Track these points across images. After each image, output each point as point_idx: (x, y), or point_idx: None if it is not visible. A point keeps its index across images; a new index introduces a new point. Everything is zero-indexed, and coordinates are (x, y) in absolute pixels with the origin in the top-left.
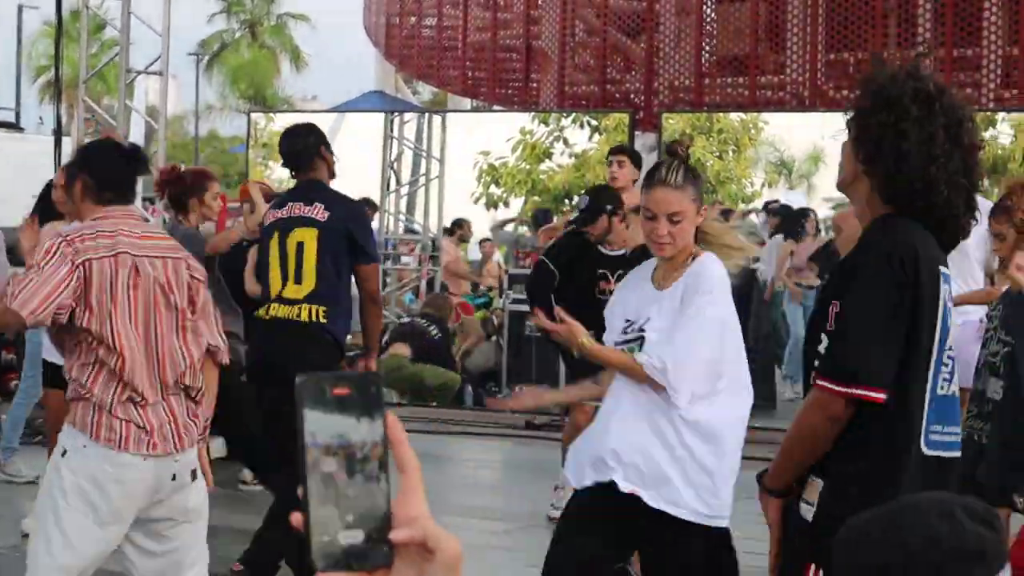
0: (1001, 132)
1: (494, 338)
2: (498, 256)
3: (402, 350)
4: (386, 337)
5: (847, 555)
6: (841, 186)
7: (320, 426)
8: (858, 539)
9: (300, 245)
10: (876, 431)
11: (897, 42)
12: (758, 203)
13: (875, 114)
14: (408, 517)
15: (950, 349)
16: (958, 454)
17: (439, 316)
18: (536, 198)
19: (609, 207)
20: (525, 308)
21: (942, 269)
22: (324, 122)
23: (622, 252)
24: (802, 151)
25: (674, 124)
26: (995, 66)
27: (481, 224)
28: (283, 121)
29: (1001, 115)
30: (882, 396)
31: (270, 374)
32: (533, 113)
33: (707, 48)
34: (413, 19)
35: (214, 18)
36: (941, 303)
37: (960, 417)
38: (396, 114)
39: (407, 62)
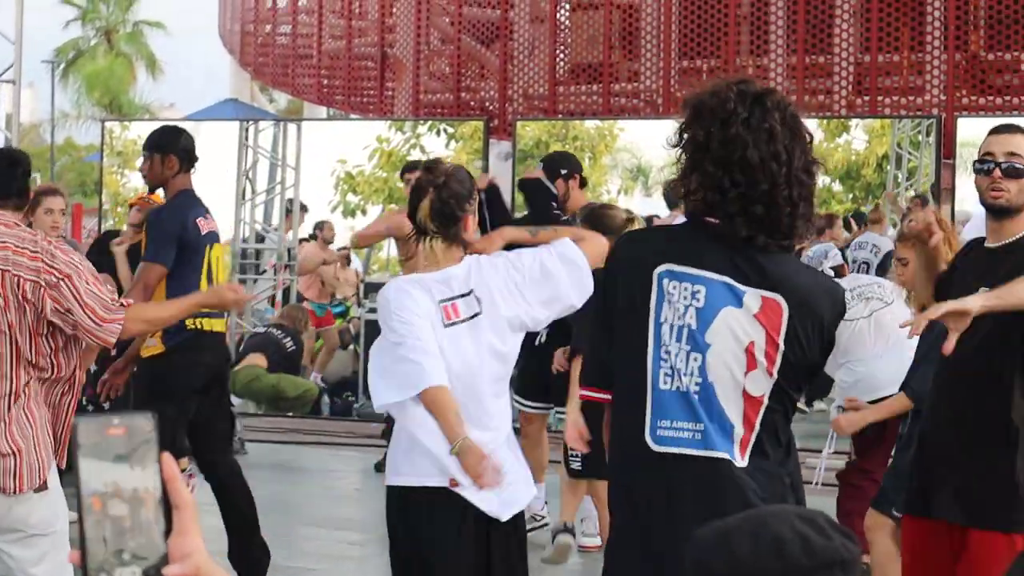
0: (855, 138)
1: (352, 347)
2: (356, 264)
3: (258, 360)
4: (242, 347)
5: (710, 568)
6: None
7: (94, 473)
8: (720, 551)
9: (218, 260)
10: (613, 430)
11: (750, 50)
12: None
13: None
14: (183, 553)
15: (667, 344)
16: (698, 451)
17: (294, 328)
18: (393, 206)
19: (564, 171)
20: None
21: (666, 267)
22: None
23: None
24: (658, 158)
25: (530, 132)
26: (847, 73)
27: (342, 232)
28: (138, 129)
29: (855, 121)
30: (596, 395)
31: (216, 383)
32: (389, 121)
33: (561, 56)
34: (268, 27)
35: (69, 25)
36: (652, 297)
37: (700, 413)
38: (251, 122)
39: (262, 70)
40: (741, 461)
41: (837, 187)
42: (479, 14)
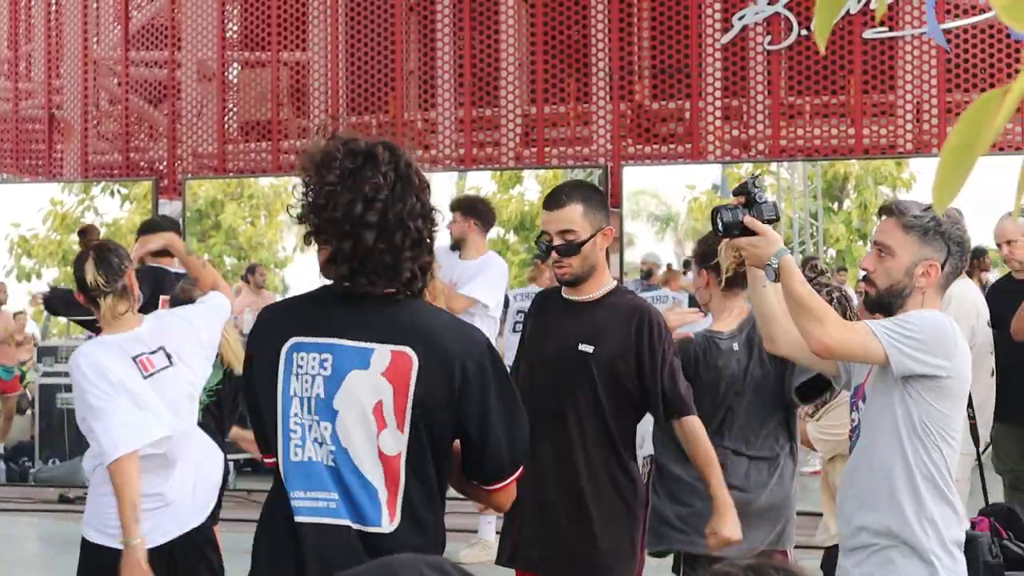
0: (528, 189)
1: (28, 412)
2: (33, 328)
3: None
4: None
5: None
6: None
7: None
8: None
9: None
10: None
11: (418, 104)
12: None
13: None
14: None
15: (297, 416)
16: (334, 520)
17: None
18: (68, 269)
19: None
20: (57, 380)
21: (295, 340)
22: None
23: None
24: None
25: (205, 191)
26: (514, 125)
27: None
28: None
29: (528, 172)
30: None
31: None
32: (61, 183)
33: (231, 114)
34: None
35: None
36: (280, 372)
37: (331, 483)
38: None
39: None
40: (390, 526)
41: (512, 238)
42: (147, 74)
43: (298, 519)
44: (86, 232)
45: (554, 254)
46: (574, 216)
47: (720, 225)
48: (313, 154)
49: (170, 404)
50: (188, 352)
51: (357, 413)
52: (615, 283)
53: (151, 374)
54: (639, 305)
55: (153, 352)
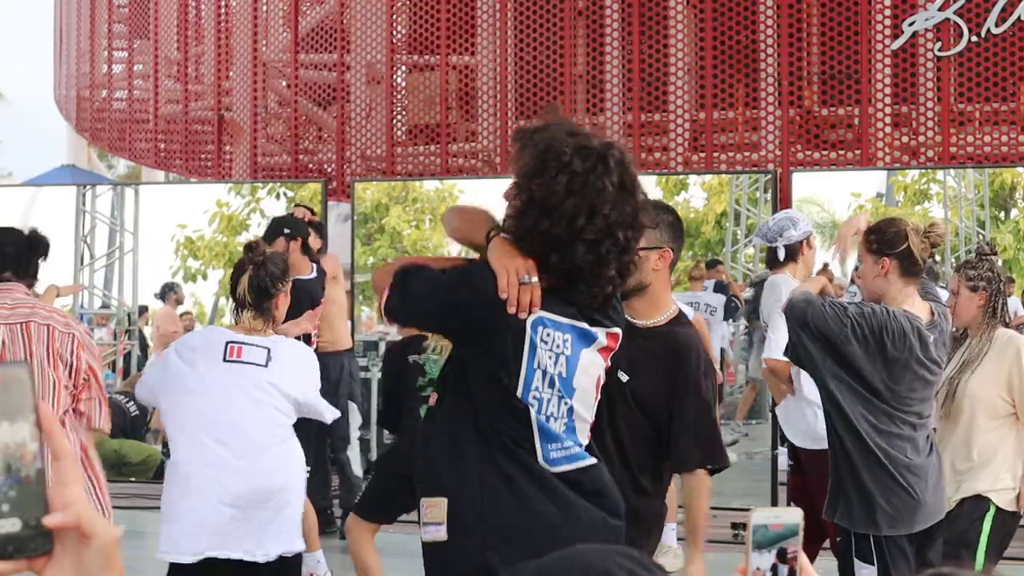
0: (693, 196)
1: None
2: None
3: None
4: None
5: None
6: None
7: None
8: None
9: None
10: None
11: (586, 108)
12: None
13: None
14: (63, 503)
15: (538, 389)
16: (585, 462)
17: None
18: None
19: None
20: None
21: (538, 315)
22: (18, 197)
23: None
24: (498, 216)
25: (370, 195)
26: (683, 130)
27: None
28: None
29: (693, 179)
30: None
31: None
32: (228, 184)
33: (399, 117)
34: (104, 92)
35: None
36: (526, 349)
37: (574, 432)
38: (88, 187)
39: (98, 135)
40: None
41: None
42: (316, 76)
43: (554, 468)
44: (251, 248)
45: None
46: None
47: None
48: (542, 148)
49: (232, 394)
50: (293, 376)
51: (587, 389)
52: (677, 310)
53: (232, 360)
54: (684, 338)
55: (254, 346)
